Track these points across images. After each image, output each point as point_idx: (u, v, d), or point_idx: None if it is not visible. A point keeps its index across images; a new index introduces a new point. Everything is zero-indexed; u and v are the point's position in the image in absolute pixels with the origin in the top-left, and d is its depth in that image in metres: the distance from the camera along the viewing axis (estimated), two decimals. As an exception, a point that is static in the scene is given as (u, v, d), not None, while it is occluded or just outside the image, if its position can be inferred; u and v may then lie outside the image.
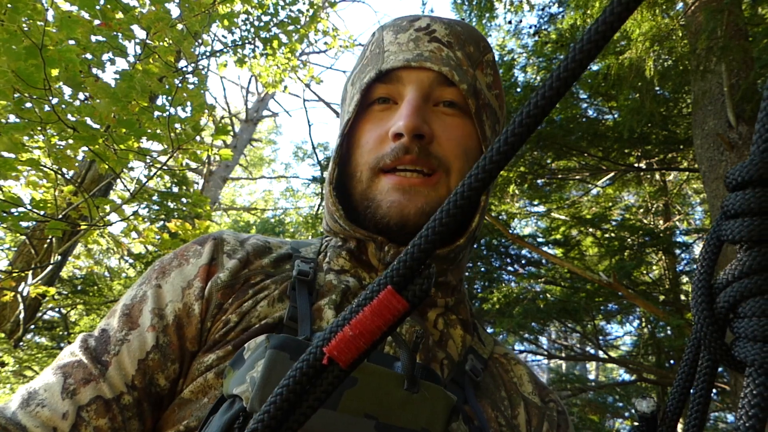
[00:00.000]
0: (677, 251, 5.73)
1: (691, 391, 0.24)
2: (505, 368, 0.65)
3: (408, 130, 0.56)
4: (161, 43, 2.86)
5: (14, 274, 3.95)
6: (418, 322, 0.60)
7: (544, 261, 5.22)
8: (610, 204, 6.40)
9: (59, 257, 3.99)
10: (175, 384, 0.55)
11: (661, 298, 5.25)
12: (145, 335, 0.55)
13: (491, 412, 0.56)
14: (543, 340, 6.49)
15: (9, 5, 2.06)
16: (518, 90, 4.66)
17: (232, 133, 8.80)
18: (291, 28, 5.44)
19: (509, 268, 5.38)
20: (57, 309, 6.05)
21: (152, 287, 0.59)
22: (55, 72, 2.29)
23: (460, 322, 0.63)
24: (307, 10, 5.75)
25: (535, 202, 5.84)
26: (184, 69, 3.33)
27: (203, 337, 0.56)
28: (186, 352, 0.56)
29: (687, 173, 5.71)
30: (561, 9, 5.06)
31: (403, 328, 0.57)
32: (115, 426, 0.50)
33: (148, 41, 2.73)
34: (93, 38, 2.49)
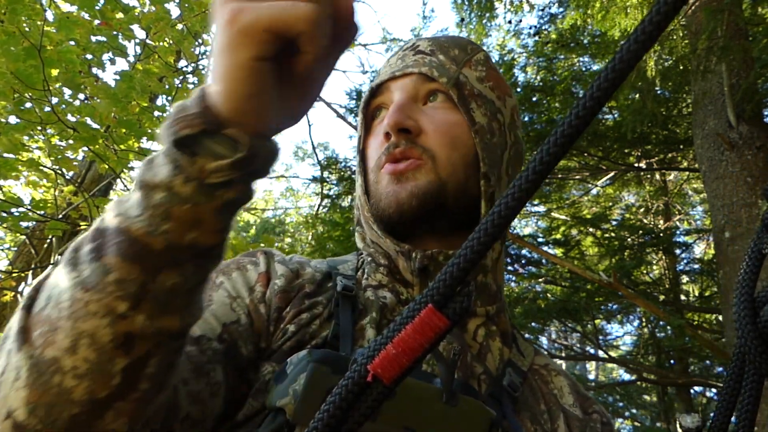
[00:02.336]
0: (677, 251, 5.74)
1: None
2: (545, 380, 0.63)
3: (391, 126, 0.60)
4: (161, 44, 2.86)
5: (14, 274, 3.94)
6: (457, 336, 0.59)
7: (544, 261, 5.23)
8: (610, 204, 6.41)
9: (59, 257, 3.98)
10: (251, 365, 0.53)
11: (661, 297, 5.26)
12: (226, 309, 0.55)
13: (530, 427, 0.56)
14: (543, 340, 6.50)
15: (8, 7, 2.05)
16: (518, 90, 4.66)
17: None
18: (291, 27, 5.43)
19: (509, 268, 5.39)
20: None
21: (220, 280, 0.59)
22: (54, 72, 2.29)
23: (499, 333, 0.63)
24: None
25: (535, 202, 5.84)
26: (184, 69, 3.33)
27: (269, 339, 0.56)
28: (260, 340, 0.55)
29: (687, 173, 5.71)
30: (561, 9, 5.06)
31: (441, 345, 0.57)
32: (202, 359, 0.48)
33: (148, 41, 2.73)
34: (93, 38, 2.49)
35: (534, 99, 4.70)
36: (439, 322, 0.20)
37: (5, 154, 2.37)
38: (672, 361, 5.80)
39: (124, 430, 0.36)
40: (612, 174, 5.35)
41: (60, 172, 2.85)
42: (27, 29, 2.12)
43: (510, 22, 5.34)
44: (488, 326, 0.62)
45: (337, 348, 0.53)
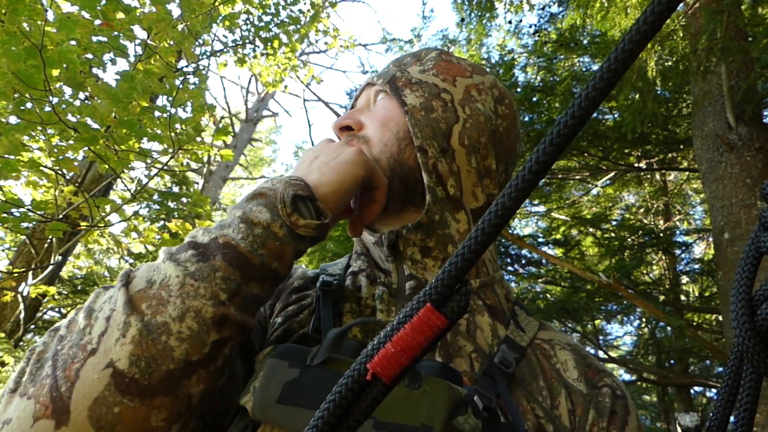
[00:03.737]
0: (677, 251, 5.74)
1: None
2: (547, 354, 0.61)
3: (333, 128, 0.71)
4: (162, 44, 2.85)
5: (14, 274, 3.94)
6: None
7: (544, 261, 5.23)
8: (610, 204, 6.41)
9: (59, 257, 3.99)
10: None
11: (661, 298, 5.26)
12: None
13: (527, 405, 0.54)
14: (543, 339, 6.48)
15: (9, 6, 2.05)
16: (518, 90, 4.66)
17: (232, 133, 8.79)
18: (291, 27, 5.44)
19: (509, 268, 5.39)
20: (57, 309, 6.05)
21: None
22: (55, 72, 2.28)
23: (486, 308, 0.61)
24: (308, 10, 5.75)
25: (535, 202, 5.85)
26: (185, 69, 3.33)
27: (266, 335, 0.60)
28: (264, 336, 0.60)
29: (687, 173, 5.72)
30: (561, 9, 5.06)
31: None
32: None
33: (149, 41, 2.73)
34: (94, 38, 2.49)
35: (534, 99, 4.70)
36: (438, 321, 0.20)
37: (6, 155, 2.37)
38: (672, 361, 5.81)
39: (199, 396, 0.43)
40: (612, 174, 5.35)
41: (60, 172, 2.85)
42: (28, 29, 2.12)
43: (510, 22, 5.34)
44: (473, 300, 0.61)
45: (320, 340, 0.54)
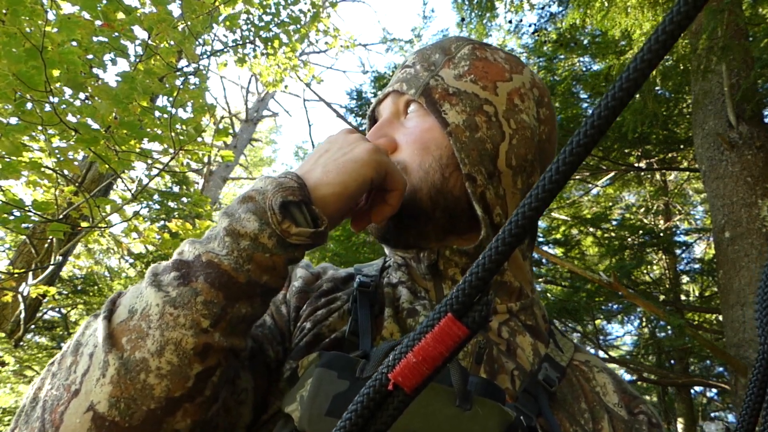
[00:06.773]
0: (678, 251, 5.74)
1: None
2: (587, 376, 0.59)
3: None
4: (163, 44, 2.85)
5: (14, 274, 3.94)
6: (481, 332, 0.57)
7: (544, 261, 5.23)
8: (611, 204, 6.41)
9: (60, 257, 3.98)
10: (280, 366, 0.55)
11: (662, 297, 5.26)
12: None
13: (569, 426, 0.52)
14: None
15: (9, 8, 2.05)
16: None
17: (232, 133, 8.79)
18: (292, 27, 5.44)
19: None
20: (57, 309, 6.05)
21: None
22: (56, 73, 2.28)
23: (527, 328, 0.60)
24: (308, 10, 5.75)
25: (536, 202, 5.82)
26: (185, 69, 3.32)
27: (291, 338, 0.58)
28: (284, 340, 0.58)
29: (687, 173, 5.72)
30: (561, 8, 5.06)
31: None
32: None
33: (149, 42, 2.72)
34: (94, 39, 2.48)
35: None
36: (459, 331, 0.20)
37: (7, 156, 2.37)
38: (672, 361, 5.81)
39: (187, 430, 0.41)
40: (612, 174, 5.35)
41: (61, 173, 2.85)
42: (28, 30, 2.11)
43: (510, 21, 5.34)
44: (513, 322, 0.60)
45: (356, 344, 0.53)
